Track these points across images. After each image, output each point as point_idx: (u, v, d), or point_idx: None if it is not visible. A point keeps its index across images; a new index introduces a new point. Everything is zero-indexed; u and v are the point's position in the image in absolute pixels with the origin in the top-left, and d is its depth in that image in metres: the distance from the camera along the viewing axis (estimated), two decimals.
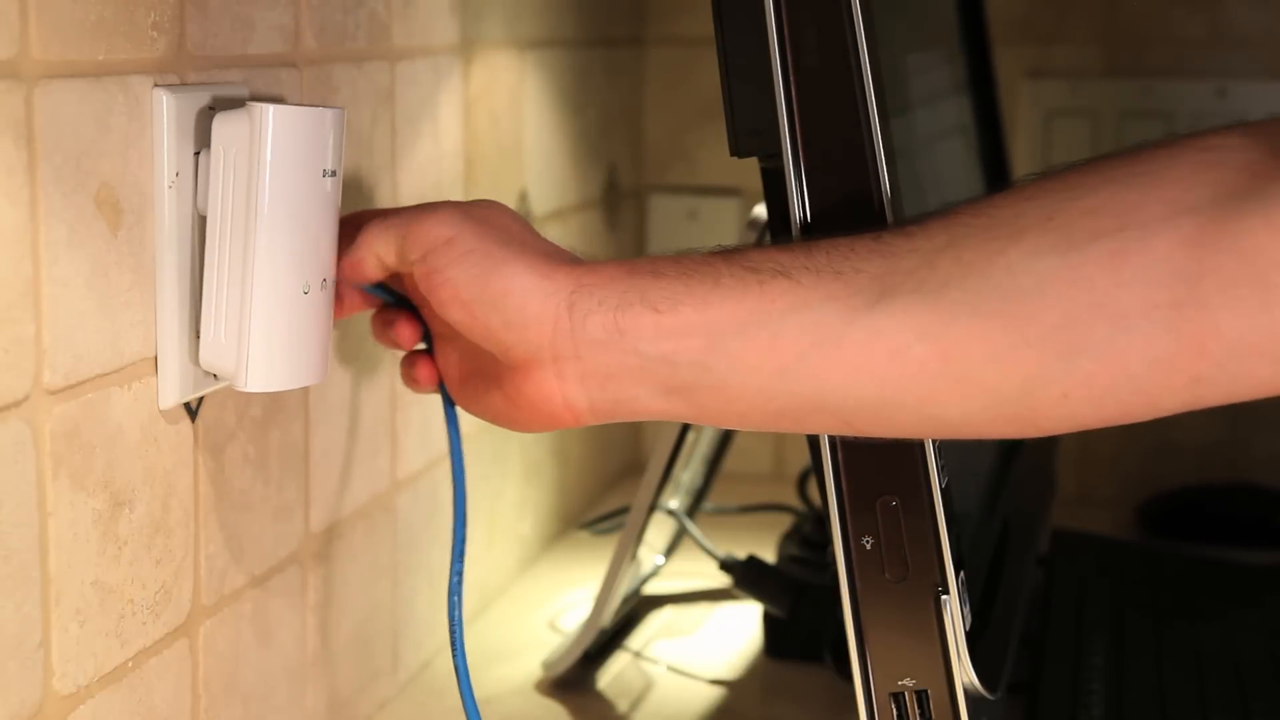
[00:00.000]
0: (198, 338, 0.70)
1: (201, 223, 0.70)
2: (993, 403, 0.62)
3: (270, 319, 0.69)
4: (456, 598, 0.73)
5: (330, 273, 0.72)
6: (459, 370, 0.75)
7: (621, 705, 0.97)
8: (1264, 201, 0.58)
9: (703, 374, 0.65)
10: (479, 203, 0.72)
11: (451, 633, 0.73)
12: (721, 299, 0.65)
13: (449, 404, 0.76)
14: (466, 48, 1.01)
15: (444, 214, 0.70)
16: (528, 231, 0.71)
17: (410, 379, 0.78)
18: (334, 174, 0.70)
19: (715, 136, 0.85)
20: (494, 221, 0.70)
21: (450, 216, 0.69)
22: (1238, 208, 0.59)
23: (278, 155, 0.67)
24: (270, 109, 0.67)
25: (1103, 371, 0.60)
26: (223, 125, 0.68)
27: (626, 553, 0.98)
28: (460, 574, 0.74)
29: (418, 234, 0.69)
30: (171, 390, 0.69)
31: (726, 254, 0.67)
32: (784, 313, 0.64)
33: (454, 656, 0.72)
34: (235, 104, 0.69)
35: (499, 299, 0.68)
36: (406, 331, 0.75)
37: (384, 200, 0.90)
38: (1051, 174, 0.64)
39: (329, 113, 0.70)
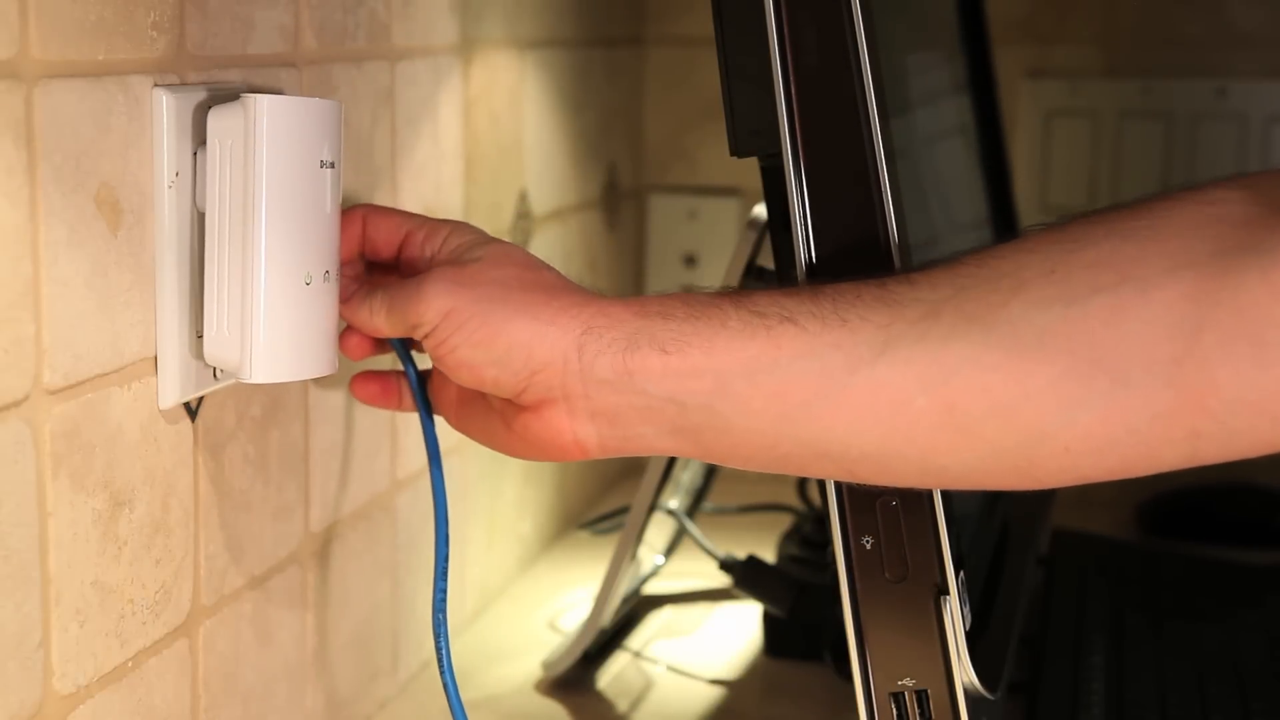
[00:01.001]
0: (199, 337, 0.70)
1: (201, 221, 0.70)
2: (994, 454, 0.63)
3: (273, 309, 0.69)
4: (441, 615, 0.73)
5: (333, 265, 0.72)
6: (457, 394, 0.75)
7: (621, 705, 0.97)
8: (1261, 257, 0.58)
9: (709, 416, 0.66)
10: (470, 260, 0.72)
11: (438, 650, 0.72)
12: (728, 342, 0.65)
13: (428, 421, 0.77)
14: (466, 48, 1.01)
15: (436, 286, 0.70)
16: (528, 270, 0.71)
17: (366, 397, 0.79)
18: (332, 166, 0.70)
19: (715, 136, 0.85)
20: (488, 277, 0.70)
21: (443, 287, 0.69)
22: (1236, 263, 0.59)
23: (273, 145, 0.67)
24: (264, 99, 0.67)
25: (1103, 425, 0.61)
26: (218, 118, 0.68)
27: (626, 553, 0.98)
28: (444, 591, 0.73)
29: (417, 312, 0.70)
30: (171, 390, 0.69)
31: (734, 297, 0.67)
32: (790, 359, 0.64)
33: (442, 674, 0.72)
34: (231, 97, 0.69)
35: (505, 355, 0.68)
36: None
37: (383, 200, 0.90)
38: (1054, 226, 0.64)
39: (324, 104, 0.70)
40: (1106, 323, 0.60)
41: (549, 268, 0.72)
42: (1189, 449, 0.60)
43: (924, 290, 0.64)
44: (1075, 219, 0.64)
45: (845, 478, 0.68)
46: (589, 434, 0.69)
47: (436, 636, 0.73)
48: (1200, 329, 0.58)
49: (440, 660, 0.72)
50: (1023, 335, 0.61)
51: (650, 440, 0.68)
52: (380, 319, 0.72)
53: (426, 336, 0.70)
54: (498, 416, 0.72)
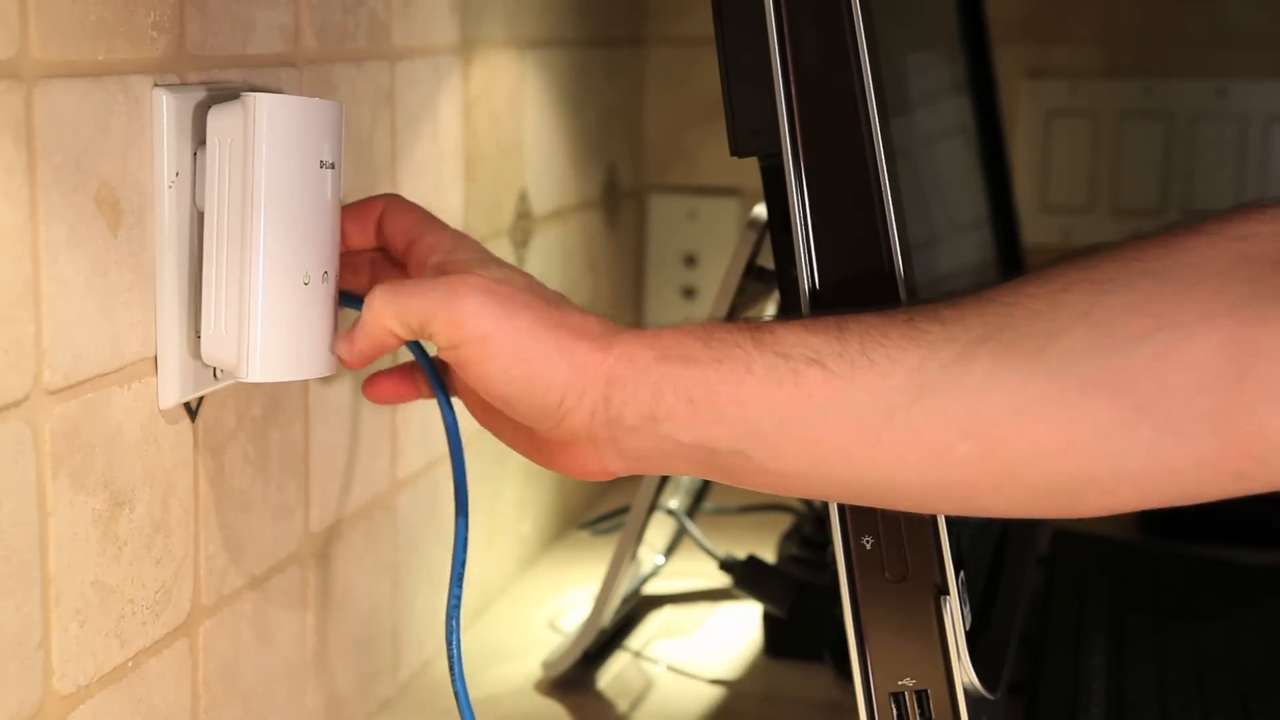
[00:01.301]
0: (199, 337, 0.70)
1: (201, 221, 0.70)
2: (1037, 495, 0.63)
3: (270, 309, 0.68)
4: (454, 622, 0.72)
5: (332, 266, 0.71)
6: (482, 401, 0.73)
7: (621, 705, 0.97)
8: None
9: (741, 459, 0.65)
10: (502, 279, 0.68)
11: (450, 658, 0.71)
12: (756, 389, 0.64)
13: (452, 422, 0.75)
14: (466, 48, 1.01)
15: (475, 304, 0.66)
16: (549, 304, 0.68)
17: (381, 397, 0.77)
18: (332, 166, 0.70)
19: (715, 136, 0.85)
20: (521, 302, 0.67)
21: (483, 307, 0.66)
22: (1275, 309, 0.59)
23: (273, 144, 0.67)
24: (264, 98, 0.67)
25: (1148, 470, 0.60)
26: (218, 117, 0.68)
27: (626, 553, 0.98)
28: (459, 598, 0.72)
29: (451, 325, 0.66)
30: (171, 390, 0.69)
31: (754, 335, 0.65)
32: (821, 406, 0.63)
33: (453, 682, 0.71)
34: (231, 96, 0.69)
35: (537, 396, 0.66)
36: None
37: None
38: (1085, 262, 0.64)
39: (324, 104, 0.70)
40: (1149, 372, 0.59)
41: (561, 297, 0.70)
42: (1233, 487, 0.61)
43: (955, 329, 0.62)
44: (1105, 254, 0.63)
45: (883, 508, 0.68)
46: (617, 467, 0.68)
47: (449, 644, 0.71)
48: (1244, 377, 0.58)
49: (452, 667, 0.71)
50: (1065, 384, 0.60)
51: (681, 472, 0.68)
52: (388, 319, 0.68)
53: (451, 349, 0.67)
54: (524, 432, 0.71)
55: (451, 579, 0.73)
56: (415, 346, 0.75)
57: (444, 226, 0.75)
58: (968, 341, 0.62)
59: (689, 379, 0.65)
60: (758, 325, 0.66)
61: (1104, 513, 0.63)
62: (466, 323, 0.66)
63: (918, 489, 0.64)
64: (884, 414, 0.62)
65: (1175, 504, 0.62)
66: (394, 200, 0.75)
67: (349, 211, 0.75)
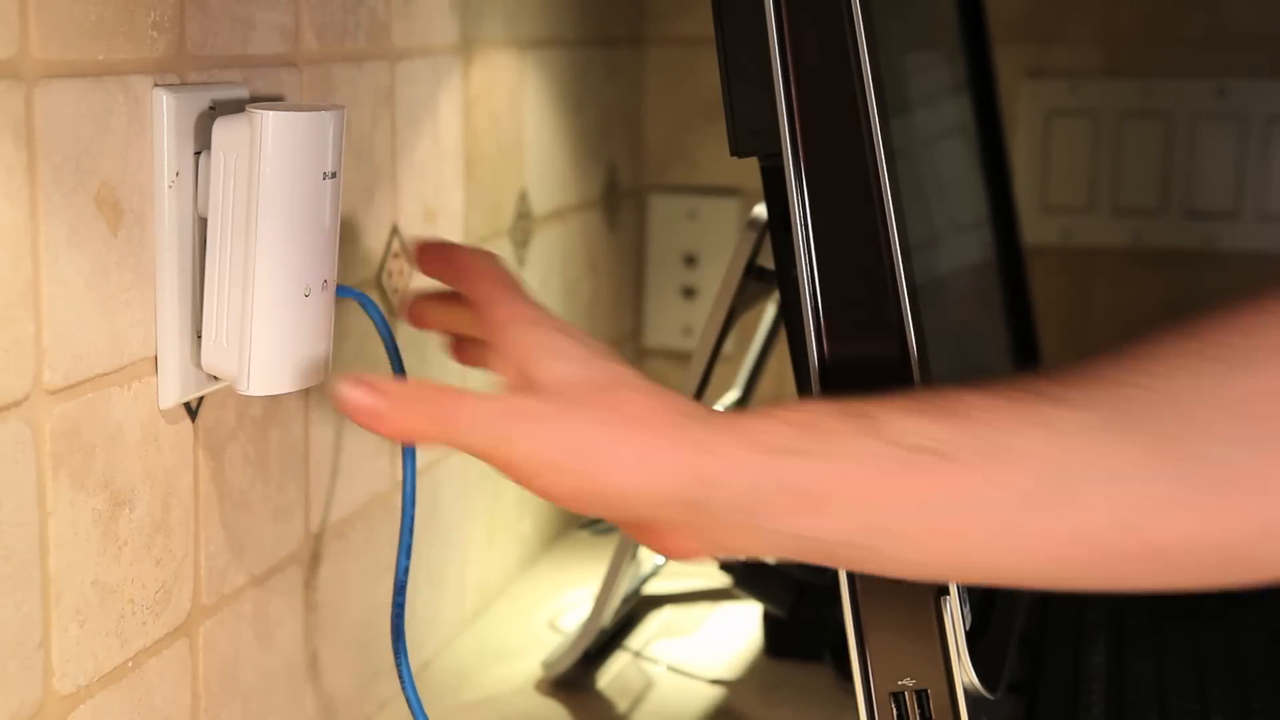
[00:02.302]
0: (198, 338, 0.70)
1: (202, 224, 0.70)
2: (1193, 580, 0.61)
3: (272, 322, 0.69)
4: (400, 640, 0.73)
5: (331, 274, 0.71)
6: None
7: (621, 705, 0.97)
8: None
9: (858, 551, 0.61)
10: (576, 379, 0.63)
11: (398, 666, 0.73)
12: (874, 481, 0.59)
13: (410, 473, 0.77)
14: (466, 48, 1.01)
15: (540, 434, 0.61)
16: (632, 393, 0.62)
17: (418, 321, 0.77)
18: (334, 175, 0.70)
19: (715, 136, 0.85)
20: (591, 420, 0.61)
21: (546, 442, 0.60)
22: None
23: (278, 161, 0.67)
24: (269, 116, 0.67)
25: None
26: (223, 130, 0.68)
27: (626, 553, 0.98)
28: (402, 606, 0.73)
29: (510, 468, 0.62)
30: (171, 390, 0.69)
31: (857, 420, 0.60)
32: (951, 499, 0.59)
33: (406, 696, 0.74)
34: (236, 106, 0.69)
35: (604, 510, 0.62)
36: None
37: (383, 200, 0.90)
38: (1192, 333, 0.61)
39: (329, 115, 0.70)
40: None
41: (629, 373, 0.64)
42: None
43: (1084, 411, 0.60)
44: (1217, 321, 0.61)
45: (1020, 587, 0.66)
46: (696, 549, 0.65)
47: (396, 654, 0.73)
48: None
49: (401, 674, 0.74)
50: (1224, 476, 0.58)
51: (777, 555, 0.64)
52: (430, 436, 0.63)
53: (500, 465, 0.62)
54: None
55: (395, 588, 0.74)
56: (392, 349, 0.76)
57: (521, 293, 0.69)
58: (1105, 429, 0.59)
59: (798, 473, 0.60)
60: (857, 412, 0.61)
61: (1246, 586, 0.61)
62: (527, 465, 0.61)
63: (1057, 577, 0.62)
64: (1022, 505, 0.59)
65: None
66: (484, 262, 0.70)
67: (439, 252, 0.71)
